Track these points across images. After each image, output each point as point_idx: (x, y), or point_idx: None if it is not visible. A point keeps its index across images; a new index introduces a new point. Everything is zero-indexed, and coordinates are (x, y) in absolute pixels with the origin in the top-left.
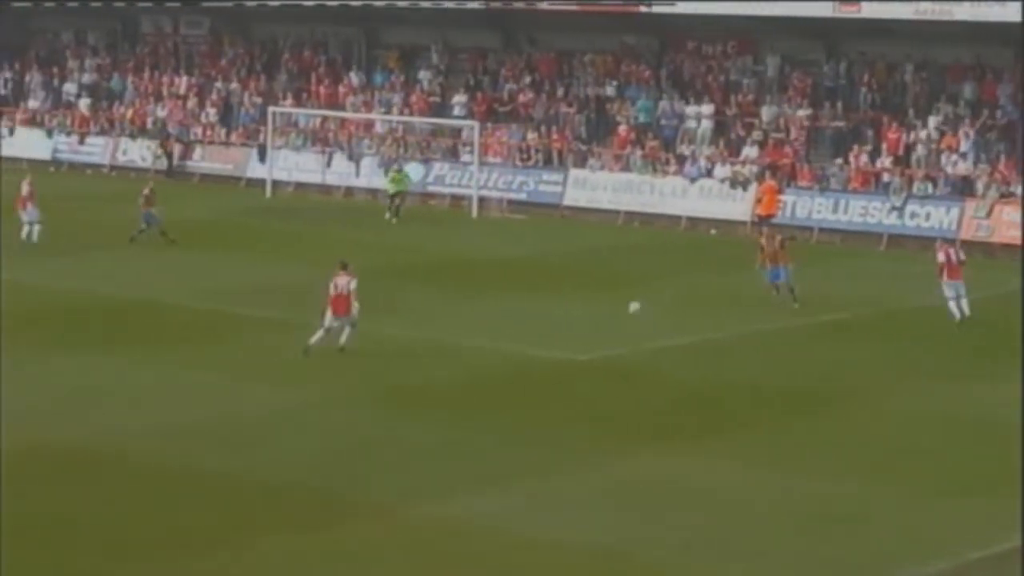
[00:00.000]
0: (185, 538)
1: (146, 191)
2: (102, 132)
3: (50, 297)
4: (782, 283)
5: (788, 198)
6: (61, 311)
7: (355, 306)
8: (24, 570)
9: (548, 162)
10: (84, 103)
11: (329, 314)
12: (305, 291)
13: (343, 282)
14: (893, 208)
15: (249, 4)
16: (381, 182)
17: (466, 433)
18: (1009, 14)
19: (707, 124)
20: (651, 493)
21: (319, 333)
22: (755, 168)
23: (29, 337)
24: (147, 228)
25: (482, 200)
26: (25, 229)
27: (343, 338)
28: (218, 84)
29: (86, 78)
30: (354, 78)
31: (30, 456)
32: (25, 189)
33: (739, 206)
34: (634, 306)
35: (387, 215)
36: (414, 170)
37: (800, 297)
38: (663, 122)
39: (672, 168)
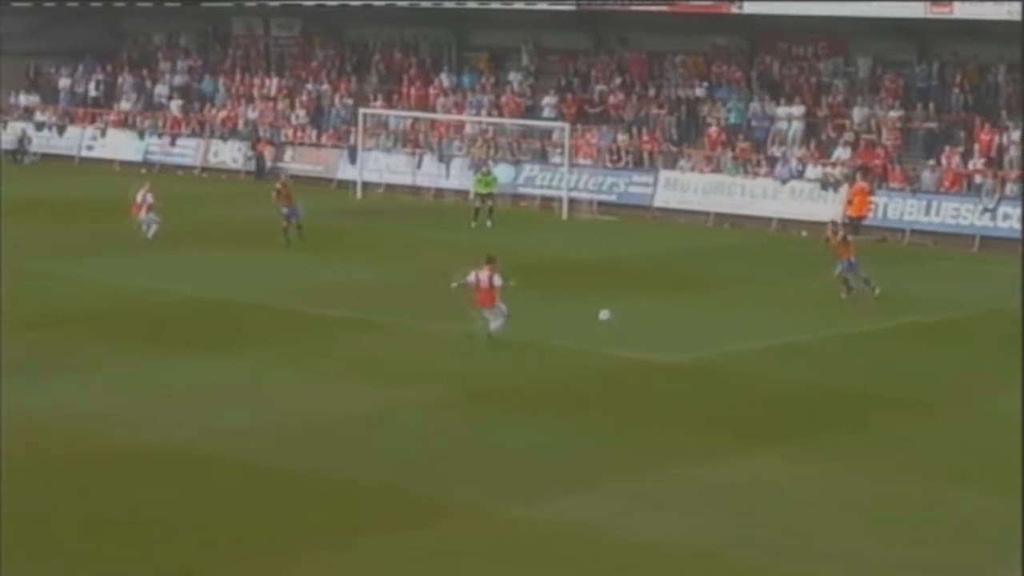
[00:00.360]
0: (279, 539)
1: (278, 185)
2: (193, 134)
3: (140, 298)
4: (850, 275)
5: (879, 200)
6: (151, 312)
7: (500, 305)
8: (122, 571)
9: (638, 163)
10: (175, 105)
11: (476, 306)
12: (394, 292)
13: (485, 276)
14: (985, 210)
15: (340, 5)
16: (471, 183)
17: (556, 435)
18: None
19: (798, 125)
20: (740, 495)
21: (493, 323)
22: (846, 170)
23: (120, 338)
24: (289, 224)
25: (572, 202)
26: (147, 228)
27: (492, 326)
28: (309, 86)
29: (177, 80)
30: (444, 79)
31: (124, 458)
32: (140, 197)
33: (830, 208)
34: (604, 314)
35: (472, 223)
36: (503, 172)
37: (889, 298)
38: (753, 123)
39: (763, 169)
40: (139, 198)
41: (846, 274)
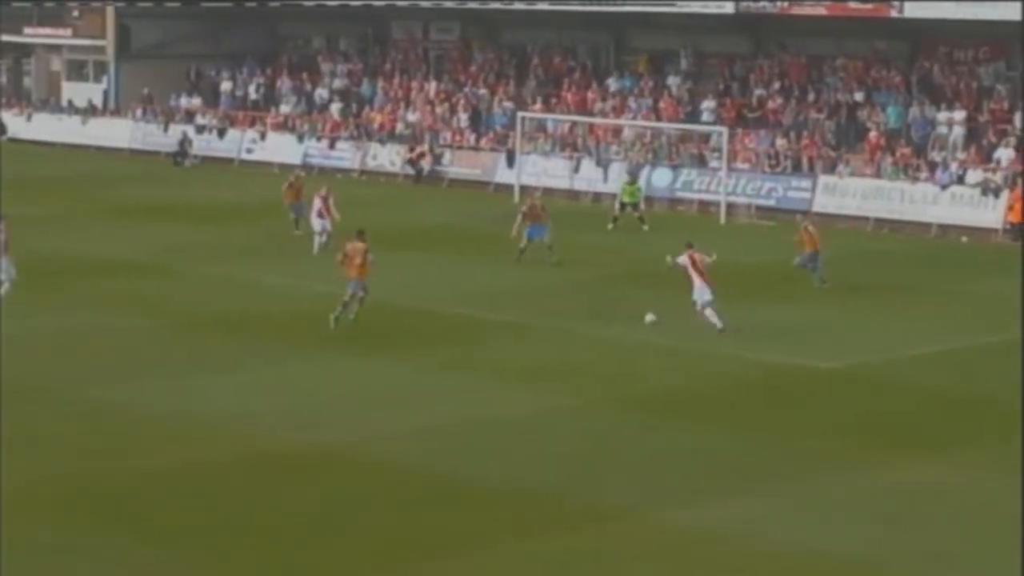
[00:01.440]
0: (427, 543)
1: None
2: (352, 137)
3: (298, 300)
4: (809, 268)
5: None
6: (308, 314)
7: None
8: (281, 570)
9: (797, 168)
10: (335, 108)
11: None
12: (550, 295)
13: (699, 256)
14: None
15: (500, 8)
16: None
17: (711, 439)
18: None
19: (959, 130)
20: (900, 501)
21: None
22: (1008, 174)
23: (277, 340)
24: (529, 243)
25: (730, 206)
26: (317, 240)
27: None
28: (467, 89)
29: (337, 83)
30: (603, 83)
31: (276, 460)
32: (318, 203)
33: (991, 214)
34: (650, 317)
35: (609, 225)
36: (661, 176)
37: None
38: (914, 128)
39: (923, 174)
40: (316, 204)
41: (807, 266)
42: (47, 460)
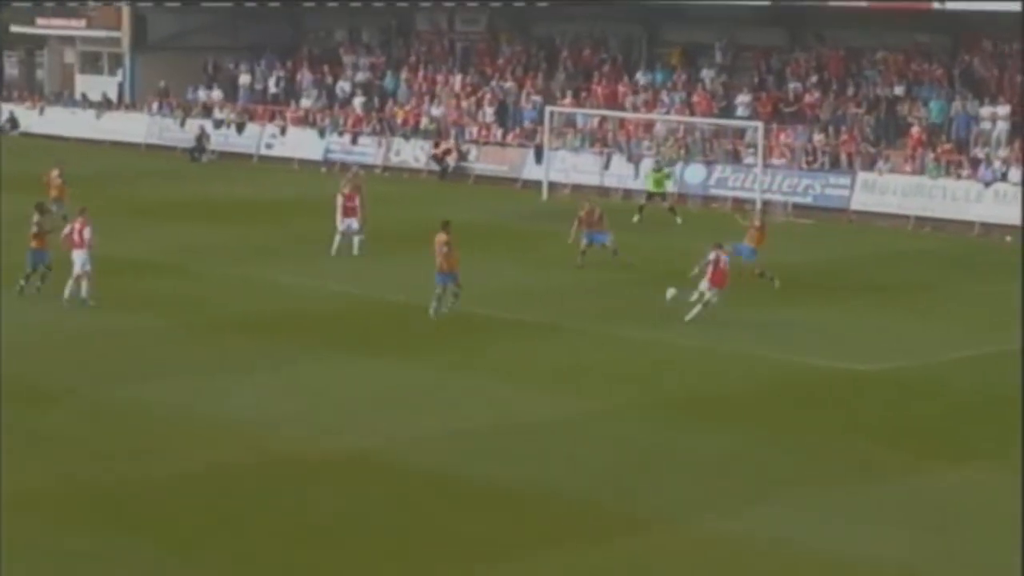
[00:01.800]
0: (461, 551)
1: (586, 209)
2: (375, 132)
3: (324, 301)
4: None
5: None
6: (336, 315)
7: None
8: (311, 572)
9: (835, 165)
10: (358, 102)
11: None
12: (583, 295)
13: (724, 257)
14: None
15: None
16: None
17: (750, 445)
18: None
19: (1003, 125)
20: (939, 508)
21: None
22: None
23: (304, 341)
24: (589, 246)
25: (766, 204)
26: (337, 239)
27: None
28: (494, 83)
29: (359, 77)
30: (635, 77)
31: (303, 464)
32: (340, 200)
33: None
34: (671, 292)
35: (635, 217)
36: (694, 172)
37: None
38: (956, 123)
39: (965, 171)
40: (339, 201)
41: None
42: (62, 462)
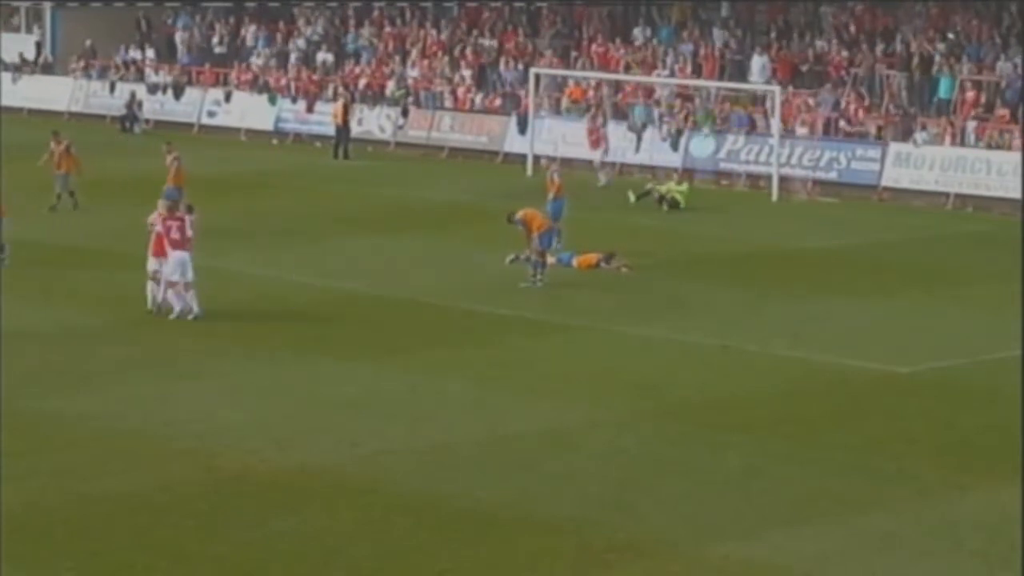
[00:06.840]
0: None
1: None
2: (334, 98)
3: (278, 292)
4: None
5: None
6: (291, 309)
7: None
8: None
9: (864, 135)
10: (313, 63)
11: None
12: (576, 288)
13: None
14: None
15: None
16: (664, 158)
17: (770, 459)
18: None
19: None
20: (991, 532)
21: None
22: None
23: (262, 339)
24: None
25: (784, 180)
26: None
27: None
28: (471, 40)
29: (316, 33)
30: (633, 34)
31: (261, 483)
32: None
33: None
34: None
35: (631, 197)
36: (701, 144)
37: None
38: (1003, 86)
39: (1015, 142)
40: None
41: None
42: None
